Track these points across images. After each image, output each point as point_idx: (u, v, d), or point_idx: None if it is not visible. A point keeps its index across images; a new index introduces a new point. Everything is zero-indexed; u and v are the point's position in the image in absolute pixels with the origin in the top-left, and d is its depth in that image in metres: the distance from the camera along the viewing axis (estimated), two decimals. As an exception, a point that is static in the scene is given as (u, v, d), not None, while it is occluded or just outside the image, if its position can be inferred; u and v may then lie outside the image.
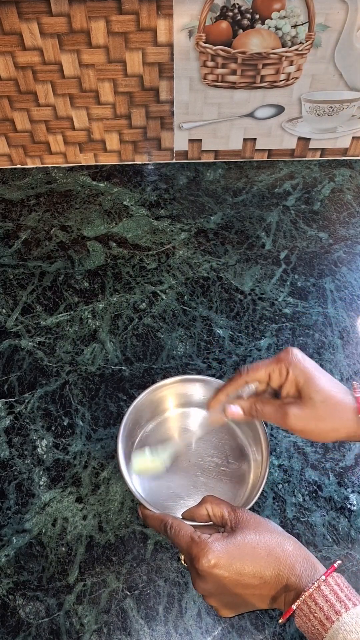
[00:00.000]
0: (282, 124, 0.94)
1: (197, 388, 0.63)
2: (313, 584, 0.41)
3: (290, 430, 0.50)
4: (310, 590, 0.41)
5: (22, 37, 0.80)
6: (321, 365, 0.71)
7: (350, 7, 0.78)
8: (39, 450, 0.64)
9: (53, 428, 0.66)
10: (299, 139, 0.97)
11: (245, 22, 0.80)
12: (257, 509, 0.60)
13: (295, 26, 0.80)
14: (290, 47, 0.83)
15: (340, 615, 0.39)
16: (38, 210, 0.92)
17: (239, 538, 0.44)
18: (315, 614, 0.40)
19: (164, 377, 0.67)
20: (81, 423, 0.67)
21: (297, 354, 0.51)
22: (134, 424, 0.60)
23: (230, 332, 0.75)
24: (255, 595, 0.44)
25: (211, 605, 0.46)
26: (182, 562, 0.47)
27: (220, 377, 0.68)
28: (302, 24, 0.80)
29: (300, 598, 0.41)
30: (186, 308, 0.78)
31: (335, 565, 0.42)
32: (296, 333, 0.75)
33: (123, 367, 0.72)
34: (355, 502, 0.60)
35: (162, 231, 0.89)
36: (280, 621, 0.43)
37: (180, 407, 0.64)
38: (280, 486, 0.61)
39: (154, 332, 0.75)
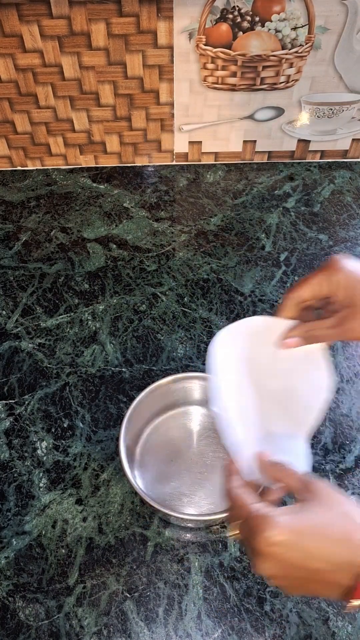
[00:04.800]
0: (282, 126, 0.94)
1: (196, 385, 0.63)
2: None
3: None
4: None
5: (22, 39, 0.80)
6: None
7: (350, 10, 0.78)
8: (39, 452, 0.64)
9: (53, 430, 0.66)
10: (299, 141, 0.97)
11: (245, 24, 0.80)
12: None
13: (295, 28, 0.80)
14: (290, 50, 0.83)
15: None
16: (38, 212, 0.92)
17: (311, 513, 0.38)
18: None
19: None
20: (81, 425, 0.67)
21: (343, 260, 0.46)
22: (136, 423, 0.60)
23: (230, 334, 0.75)
24: (325, 583, 0.37)
25: (273, 585, 0.40)
26: (230, 532, 0.41)
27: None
28: (302, 27, 0.80)
29: None
30: (186, 310, 0.78)
31: None
32: (296, 335, 0.75)
33: (123, 369, 0.72)
34: (355, 504, 0.60)
35: (162, 233, 0.89)
36: (348, 606, 0.37)
37: (180, 405, 0.64)
38: (280, 488, 0.61)
39: (154, 334, 0.75)
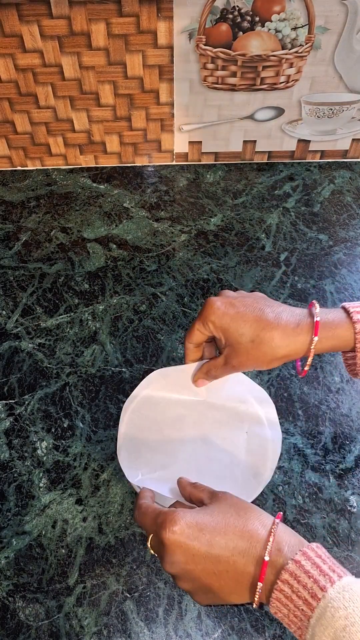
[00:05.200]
0: (282, 126, 0.94)
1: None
2: (292, 559, 0.38)
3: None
4: (289, 566, 0.38)
5: (22, 39, 0.80)
6: (321, 367, 0.71)
7: (350, 10, 0.78)
8: (38, 452, 0.64)
9: (53, 430, 0.66)
10: (299, 141, 0.97)
11: (245, 24, 0.80)
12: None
13: (295, 28, 0.80)
14: (290, 50, 0.83)
15: (326, 591, 0.36)
16: (38, 212, 0.92)
17: (212, 508, 0.43)
18: (299, 593, 0.37)
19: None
20: (81, 425, 0.67)
21: (215, 306, 0.51)
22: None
23: (230, 334, 0.75)
24: (231, 573, 0.41)
25: (184, 590, 0.44)
26: (149, 545, 0.45)
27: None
28: (302, 27, 0.80)
29: (284, 575, 0.38)
30: (186, 310, 0.78)
31: (276, 521, 0.41)
32: (296, 335, 0.75)
33: (123, 369, 0.72)
34: (355, 504, 0.60)
35: (162, 233, 0.89)
36: (255, 599, 0.40)
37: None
38: (280, 488, 0.61)
39: (154, 334, 0.75)
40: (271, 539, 0.40)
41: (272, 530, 0.41)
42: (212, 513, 0.43)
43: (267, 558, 0.39)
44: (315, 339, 0.49)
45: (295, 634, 0.38)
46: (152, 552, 0.45)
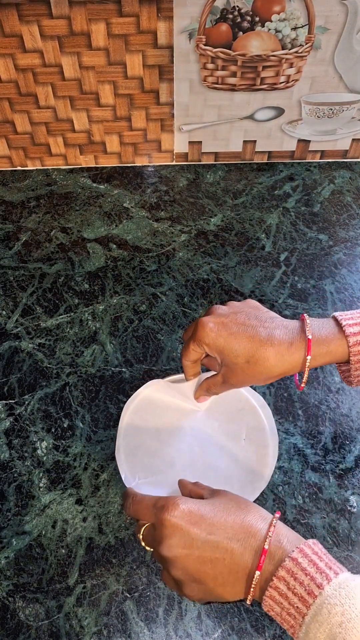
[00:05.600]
0: (282, 126, 0.94)
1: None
2: (289, 556, 0.38)
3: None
4: (286, 563, 0.38)
5: (22, 39, 0.80)
6: (321, 367, 0.71)
7: (350, 10, 0.78)
8: (38, 452, 0.64)
9: (53, 430, 0.66)
10: (299, 141, 0.97)
11: (245, 24, 0.80)
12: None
13: (295, 28, 0.80)
14: (290, 50, 0.83)
15: (323, 589, 0.36)
16: (38, 212, 0.92)
17: (213, 501, 0.44)
18: (295, 590, 0.37)
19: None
20: (81, 425, 0.67)
21: (207, 328, 0.51)
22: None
23: (230, 334, 0.75)
24: (228, 562, 0.41)
25: (175, 579, 0.43)
26: (141, 535, 0.45)
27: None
28: (302, 27, 0.80)
29: (280, 571, 0.38)
30: (186, 310, 0.78)
31: (276, 516, 0.42)
32: (296, 335, 0.75)
33: (123, 369, 0.72)
34: (355, 504, 0.60)
35: (162, 233, 0.89)
36: (250, 597, 0.40)
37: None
38: (280, 488, 0.61)
39: (154, 334, 0.75)
40: (272, 530, 0.41)
41: (273, 523, 0.41)
42: (214, 504, 0.44)
43: (266, 546, 0.40)
44: (309, 357, 0.49)
45: (288, 632, 0.38)
46: (143, 543, 0.45)
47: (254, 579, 0.40)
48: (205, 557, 0.41)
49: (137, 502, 0.46)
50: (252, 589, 0.40)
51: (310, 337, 0.49)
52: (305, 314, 0.52)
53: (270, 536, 0.40)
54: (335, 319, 0.51)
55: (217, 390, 0.57)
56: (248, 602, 0.41)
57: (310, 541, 0.40)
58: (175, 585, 0.44)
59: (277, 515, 0.42)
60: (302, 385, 0.52)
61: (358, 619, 0.34)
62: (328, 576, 0.37)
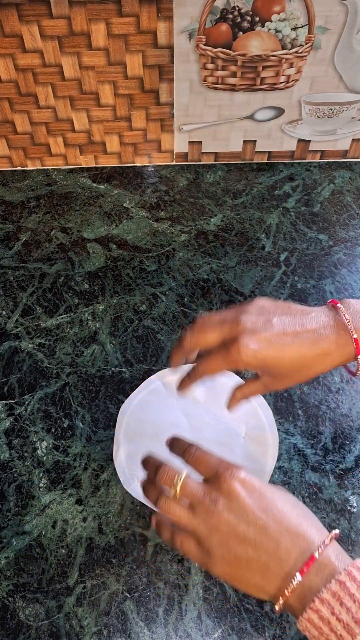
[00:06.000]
0: (282, 126, 0.94)
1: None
2: (336, 578, 0.35)
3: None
4: (332, 586, 0.35)
5: (22, 39, 0.80)
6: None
7: (350, 10, 0.78)
8: (38, 452, 0.64)
9: (53, 430, 0.66)
10: (299, 141, 0.97)
11: (245, 24, 0.80)
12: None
13: (295, 28, 0.80)
14: (290, 50, 0.83)
15: None
16: (38, 212, 0.92)
17: (273, 487, 0.41)
18: (340, 617, 0.34)
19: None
20: (81, 425, 0.67)
21: (249, 351, 0.45)
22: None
23: (230, 334, 0.75)
24: (267, 550, 0.38)
25: (203, 550, 0.40)
26: (176, 492, 0.41)
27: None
28: (302, 27, 0.80)
29: (324, 594, 0.34)
30: (186, 310, 0.78)
31: (335, 533, 0.38)
32: (296, 335, 0.75)
33: (123, 369, 0.72)
34: (355, 504, 0.60)
35: (162, 233, 0.89)
36: (278, 606, 0.37)
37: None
38: (280, 488, 0.61)
39: (154, 334, 0.75)
40: (327, 541, 0.38)
41: (330, 536, 0.38)
42: (273, 491, 0.41)
43: (316, 555, 0.37)
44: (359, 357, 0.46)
45: None
46: (177, 490, 0.41)
47: (293, 583, 0.37)
48: (249, 534, 0.38)
49: (201, 454, 0.43)
50: (287, 592, 0.37)
51: (355, 335, 0.46)
52: (340, 306, 0.48)
53: (324, 544, 0.37)
54: None
55: (255, 395, 0.53)
56: (277, 607, 0.37)
57: (359, 562, 0.36)
58: (199, 556, 0.41)
59: (337, 532, 0.39)
60: (359, 372, 0.49)
61: None
62: None
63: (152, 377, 0.62)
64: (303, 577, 0.36)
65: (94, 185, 0.97)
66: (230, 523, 0.39)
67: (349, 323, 0.46)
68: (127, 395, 0.69)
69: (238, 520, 0.39)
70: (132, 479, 0.57)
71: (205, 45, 0.82)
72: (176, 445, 0.47)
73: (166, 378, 0.63)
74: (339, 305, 0.48)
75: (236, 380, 0.63)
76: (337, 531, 0.39)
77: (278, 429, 0.65)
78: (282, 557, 0.37)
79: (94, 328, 0.76)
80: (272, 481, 0.61)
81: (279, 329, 0.46)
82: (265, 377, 0.50)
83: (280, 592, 0.37)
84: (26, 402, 0.69)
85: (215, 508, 0.39)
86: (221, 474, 0.41)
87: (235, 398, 0.53)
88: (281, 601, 0.37)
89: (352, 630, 0.33)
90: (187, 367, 0.53)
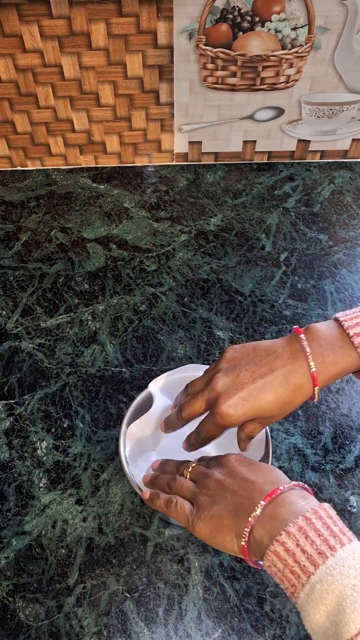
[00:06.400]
0: (282, 126, 0.94)
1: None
2: (303, 515, 0.39)
3: None
4: (299, 521, 0.38)
5: (22, 39, 0.80)
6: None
7: (350, 10, 0.78)
8: (38, 452, 0.64)
9: (53, 430, 0.66)
10: (299, 141, 0.97)
11: (245, 24, 0.80)
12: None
13: (295, 29, 0.80)
14: (290, 50, 0.83)
15: (335, 551, 0.36)
16: (38, 212, 0.92)
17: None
18: (305, 549, 0.37)
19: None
20: (81, 425, 0.67)
21: (230, 414, 0.49)
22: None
23: (230, 334, 0.75)
24: (241, 493, 0.44)
25: (198, 501, 0.46)
26: (188, 474, 0.50)
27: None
28: (302, 27, 0.80)
29: (290, 527, 0.38)
30: (186, 310, 0.78)
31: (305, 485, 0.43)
32: (296, 335, 0.75)
33: (123, 369, 0.72)
34: (355, 504, 0.60)
35: (162, 233, 0.89)
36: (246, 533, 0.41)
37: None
38: (280, 488, 0.61)
39: (154, 334, 0.75)
40: (296, 484, 0.42)
41: (299, 483, 0.43)
42: (263, 463, 0.48)
43: (282, 487, 0.42)
44: (317, 389, 0.49)
45: (286, 591, 0.38)
46: (189, 474, 0.50)
47: (257, 511, 0.41)
48: (232, 486, 0.45)
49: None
50: (251, 519, 0.41)
51: (314, 370, 0.48)
52: (300, 330, 0.50)
53: (292, 485, 0.42)
54: (338, 322, 0.50)
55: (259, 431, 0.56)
56: (243, 543, 0.41)
57: (326, 505, 0.40)
58: (187, 515, 0.46)
59: (305, 486, 0.44)
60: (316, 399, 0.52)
61: None
62: (341, 541, 0.37)
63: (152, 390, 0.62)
64: (268, 507, 0.41)
65: (94, 185, 0.97)
66: (219, 479, 0.46)
67: (309, 356, 0.48)
68: (127, 395, 0.69)
69: (225, 477, 0.46)
70: (135, 463, 0.57)
71: (205, 45, 0.82)
72: (167, 465, 0.53)
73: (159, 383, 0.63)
74: (301, 336, 0.50)
75: None
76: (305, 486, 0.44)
77: (278, 429, 0.65)
78: (254, 497, 0.42)
79: (94, 328, 0.76)
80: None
81: (249, 380, 0.49)
82: (257, 419, 0.52)
83: (247, 524, 0.42)
84: (26, 402, 0.69)
85: (212, 473, 0.47)
86: (221, 457, 0.48)
87: (242, 440, 0.54)
88: (247, 529, 0.41)
89: (315, 561, 0.36)
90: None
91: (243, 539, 0.41)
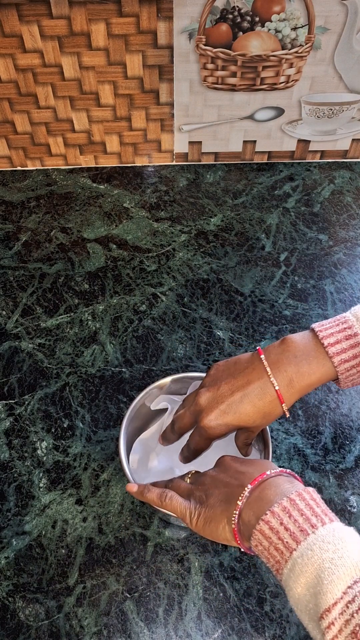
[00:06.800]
0: (282, 126, 0.94)
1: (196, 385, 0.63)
2: (287, 496, 0.41)
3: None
4: (284, 502, 0.40)
5: (22, 39, 0.80)
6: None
7: (350, 10, 0.78)
8: (38, 452, 0.64)
9: (53, 430, 0.66)
10: (299, 141, 0.97)
11: (245, 24, 0.80)
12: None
13: (295, 29, 0.80)
14: (290, 50, 0.83)
15: (317, 529, 0.38)
16: (38, 212, 0.92)
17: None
18: (288, 527, 0.39)
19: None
20: (81, 425, 0.67)
21: (212, 427, 0.51)
22: (136, 423, 0.60)
23: (230, 334, 0.75)
24: (233, 482, 0.46)
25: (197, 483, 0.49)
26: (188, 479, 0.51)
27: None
28: (302, 27, 0.80)
29: (275, 507, 0.40)
30: (186, 310, 0.78)
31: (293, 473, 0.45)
32: (296, 335, 0.75)
33: (123, 369, 0.72)
34: (355, 504, 0.60)
35: (162, 233, 0.89)
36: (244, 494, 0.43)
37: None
38: (280, 488, 0.61)
39: (154, 334, 0.75)
40: (283, 470, 0.45)
41: (285, 469, 0.45)
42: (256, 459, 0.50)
43: (268, 472, 0.44)
44: (284, 405, 0.51)
45: (272, 569, 0.40)
46: (189, 478, 0.51)
47: (245, 492, 0.43)
48: (225, 479, 0.47)
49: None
50: (239, 502, 0.43)
51: (277, 388, 0.50)
52: (261, 351, 0.53)
53: (277, 470, 0.44)
54: (314, 333, 0.52)
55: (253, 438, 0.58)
56: (234, 526, 0.43)
57: (310, 489, 0.42)
58: (183, 507, 0.47)
59: (293, 474, 0.46)
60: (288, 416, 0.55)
61: (349, 559, 0.36)
62: (323, 520, 0.39)
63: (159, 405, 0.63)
64: (255, 490, 0.43)
65: (94, 185, 0.97)
66: (213, 475, 0.48)
67: (270, 377, 0.51)
68: (127, 395, 0.69)
69: (219, 472, 0.48)
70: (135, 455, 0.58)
71: (205, 45, 0.82)
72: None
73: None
74: (262, 356, 0.52)
75: None
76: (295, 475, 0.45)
77: (278, 429, 0.65)
78: (244, 483, 0.44)
79: (94, 328, 0.76)
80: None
81: (228, 393, 0.52)
82: (244, 428, 0.54)
83: (235, 507, 0.44)
84: (26, 402, 0.69)
85: (207, 471, 0.49)
86: (218, 460, 0.50)
87: (240, 448, 0.56)
88: (236, 512, 0.43)
89: (297, 537, 0.38)
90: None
91: (233, 523, 0.43)
